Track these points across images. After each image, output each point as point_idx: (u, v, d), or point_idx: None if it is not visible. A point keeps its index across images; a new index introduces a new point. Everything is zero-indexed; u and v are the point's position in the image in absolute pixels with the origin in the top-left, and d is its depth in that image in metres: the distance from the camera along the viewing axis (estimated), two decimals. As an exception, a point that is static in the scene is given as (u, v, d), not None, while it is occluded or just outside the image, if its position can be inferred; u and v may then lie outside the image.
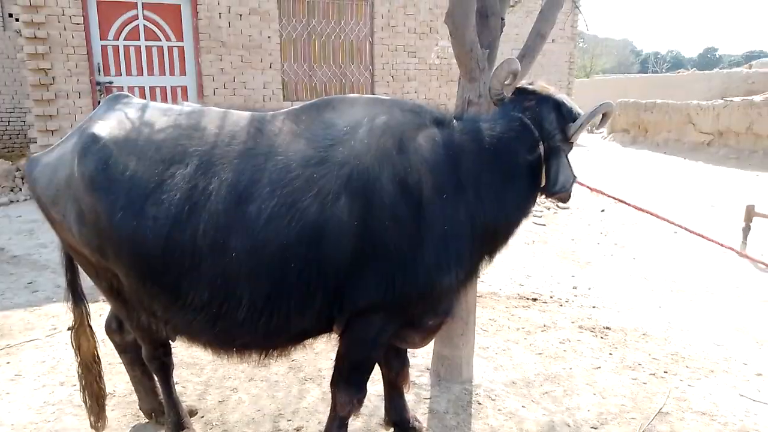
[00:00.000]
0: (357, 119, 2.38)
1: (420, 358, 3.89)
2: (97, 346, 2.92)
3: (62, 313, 4.63)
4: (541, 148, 2.41)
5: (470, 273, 2.55)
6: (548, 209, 8.91)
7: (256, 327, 2.31)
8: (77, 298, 2.82)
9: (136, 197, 2.23)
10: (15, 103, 11.69)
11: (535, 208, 8.96)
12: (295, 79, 8.56)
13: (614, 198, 5.46)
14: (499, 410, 3.33)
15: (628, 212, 8.66)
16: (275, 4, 8.08)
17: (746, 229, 6.55)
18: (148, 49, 7.61)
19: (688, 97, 18.40)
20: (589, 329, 4.51)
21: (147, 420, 3.18)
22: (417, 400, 3.42)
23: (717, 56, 71.62)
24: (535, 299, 5.20)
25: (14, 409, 3.31)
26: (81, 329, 2.84)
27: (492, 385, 3.61)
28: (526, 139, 2.42)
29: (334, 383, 2.59)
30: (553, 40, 17.14)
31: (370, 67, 8.95)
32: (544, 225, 8.26)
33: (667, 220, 5.38)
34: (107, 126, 2.41)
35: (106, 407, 3.02)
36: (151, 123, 2.41)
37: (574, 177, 2.39)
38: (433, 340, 3.62)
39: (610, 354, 4.08)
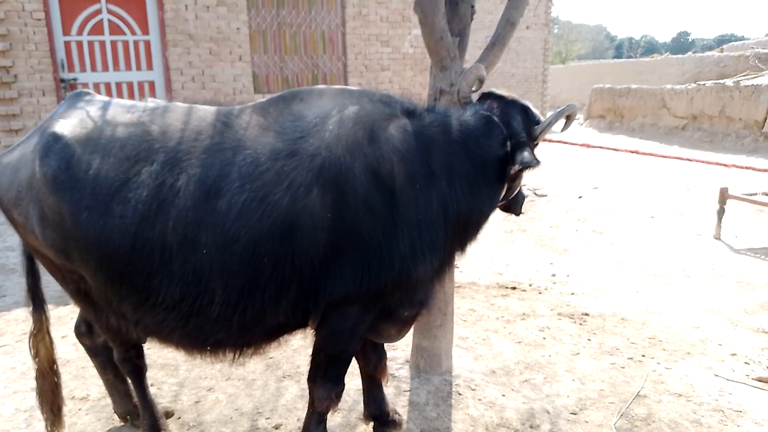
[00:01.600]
0: (326, 110, 2.35)
1: (399, 351, 3.86)
2: (55, 353, 2.85)
3: (32, 317, 4.53)
4: (509, 145, 2.47)
5: (444, 262, 2.54)
6: (525, 197, 8.93)
7: (230, 323, 2.27)
8: (37, 303, 2.76)
9: (102, 196, 2.18)
10: (-21, 103, 11.37)
11: (513, 195, 9.03)
12: (266, 71, 8.41)
13: (606, 148, 5.47)
14: (479, 400, 3.32)
15: (605, 198, 8.74)
16: (244, -5, 7.95)
17: (720, 212, 6.62)
18: (113, 43, 7.40)
19: (662, 81, 18.60)
20: (567, 316, 4.52)
21: (122, 423, 3.11)
22: (397, 393, 3.39)
23: (690, 40, 72.55)
24: (514, 288, 5.20)
25: (-16, 417, 3.23)
26: (40, 335, 2.78)
27: (472, 375, 3.59)
28: (495, 135, 2.47)
29: (311, 378, 2.56)
30: (527, 27, 17.21)
31: (343, 58, 8.83)
32: (523, 213, 8.27)
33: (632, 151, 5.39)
34: (69, 124, 2.34)
35: (79, 412, 2.96)
36: (115, 120, 2.35)
37: (538, 161, 2.42)
38: (412, 332, 3.60)
39: (589, 340, 4.09)
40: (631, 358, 3.80)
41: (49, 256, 2.42)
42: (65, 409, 3.24)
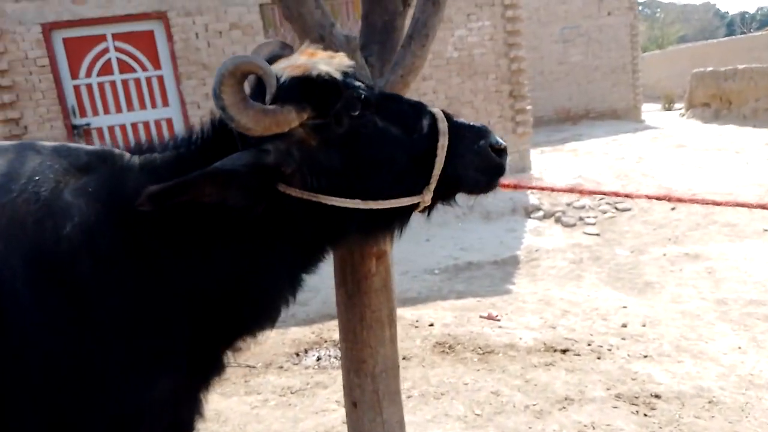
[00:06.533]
0: None
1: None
2: None
3: None
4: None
5: (194, 372, 1.62)
6: (603, 213, 7.49)
7: None
8: None
9: None
10: None
11: (587, 213, 7.65)
12: (294, 95, 7.65)
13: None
14: None
15: (705, 208, 7.12)
16: (258, 16, 7.22)
17: None
18: (124, 82, 6.94)
19: (778, 57, 16.02)
20: (628, 400, 3.24)
21: None
22: None
23: (815, 7, 64.68)
24: (565, 351, 3.95)
25: None
26: None
27: None
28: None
29: None
30: (609, 13, 15.49)
31: (374, 72, 7.92)
32: (598, 234, 6.89)
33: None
34: None
35: None
36: None
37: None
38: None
39: (655, 446, 2.81)
40: (718, 488, 2.50)
41: None
42: None
